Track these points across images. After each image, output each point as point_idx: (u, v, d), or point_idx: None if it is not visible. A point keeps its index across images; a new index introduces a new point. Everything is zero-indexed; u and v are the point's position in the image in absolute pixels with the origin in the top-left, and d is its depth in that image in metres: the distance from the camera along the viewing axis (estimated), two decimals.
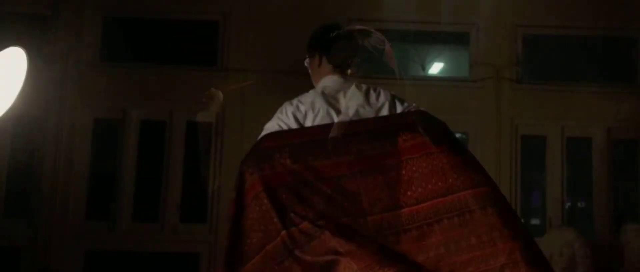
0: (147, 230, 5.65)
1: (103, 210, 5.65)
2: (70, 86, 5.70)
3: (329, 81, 2.25)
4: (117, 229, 5.62)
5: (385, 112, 2.14)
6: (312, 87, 2.32)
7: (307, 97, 2.19)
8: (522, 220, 5.85)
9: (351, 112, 2.13)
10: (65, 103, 5.69)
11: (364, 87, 2.22)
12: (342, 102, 2.17)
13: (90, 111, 5.77)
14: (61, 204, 5.60)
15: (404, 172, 1.91)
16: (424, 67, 6.40)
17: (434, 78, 6.43)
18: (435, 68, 6.64)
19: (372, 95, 2.19)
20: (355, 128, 2.03)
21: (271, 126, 2.13)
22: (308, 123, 2.11)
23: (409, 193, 1.88)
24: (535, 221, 6.19)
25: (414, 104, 2.21)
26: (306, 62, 2.37)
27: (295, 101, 2.19)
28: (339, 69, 2.28)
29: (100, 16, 5.91)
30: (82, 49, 5.74)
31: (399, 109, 2.17)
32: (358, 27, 2.28)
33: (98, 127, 5.79)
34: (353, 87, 2.21)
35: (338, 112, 2.13)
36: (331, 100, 2.16)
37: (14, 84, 2.26)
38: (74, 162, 5.67)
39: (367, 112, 2.13)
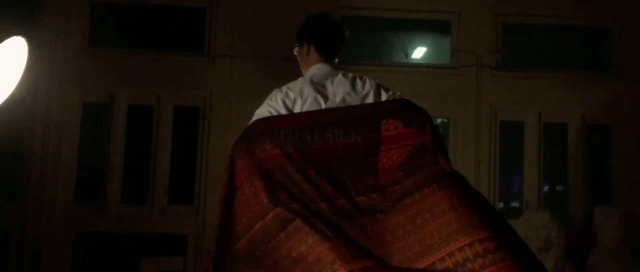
0: (135, 212, 5.68)
1: (92, 192, 5.66)
2: (59, 70, 5.68)
3: (317, 69, 2.33)
4: (106, 211, 5.64)
5: (370, 99, 2.22)
6: (299, 73, 2.40)
7: (296, 85, 2.26)
8: (501, 203, 6.01)
9: (338, 99, 2.21)
10: (54, 87, 5.67)
11: (350, 75, 2.29)
12: (330, 90, 2.23)
13: (79, 95, 5.76)
14: (50, 187, 5.59)
15: (385, 159, 1.99)
16: (407, 54, 6.49)
17: (416, 65, 6.52)
18: (418, 54, 6.73)
19: (358, 83, 2.26)
20: (342, 115, 2.10)
21: (261, 112, 2.20)
22: (297, 109, 2.19)
23: (388, 178, 1.95)
24: (513, 204, 6.31)
25: (398, 93, 2.28)
26: (295, 51, 2.45)
27: (284, 88, 2.26)
28: (327, 58, 2.36)
29: (88, 1, 5.87)
30: (70, 33, 5.70)
31: (384, 97, 2.24)
32: None
33: (86, 111, 5.78)
34: (340, 75, 2.29)
35: (326, 99, 2.20)
36: (319, 88, 2.23)
37: (15, 73, 2.34)
38: (63, 145, 5.66)
39: (353, 100, 2.21)
